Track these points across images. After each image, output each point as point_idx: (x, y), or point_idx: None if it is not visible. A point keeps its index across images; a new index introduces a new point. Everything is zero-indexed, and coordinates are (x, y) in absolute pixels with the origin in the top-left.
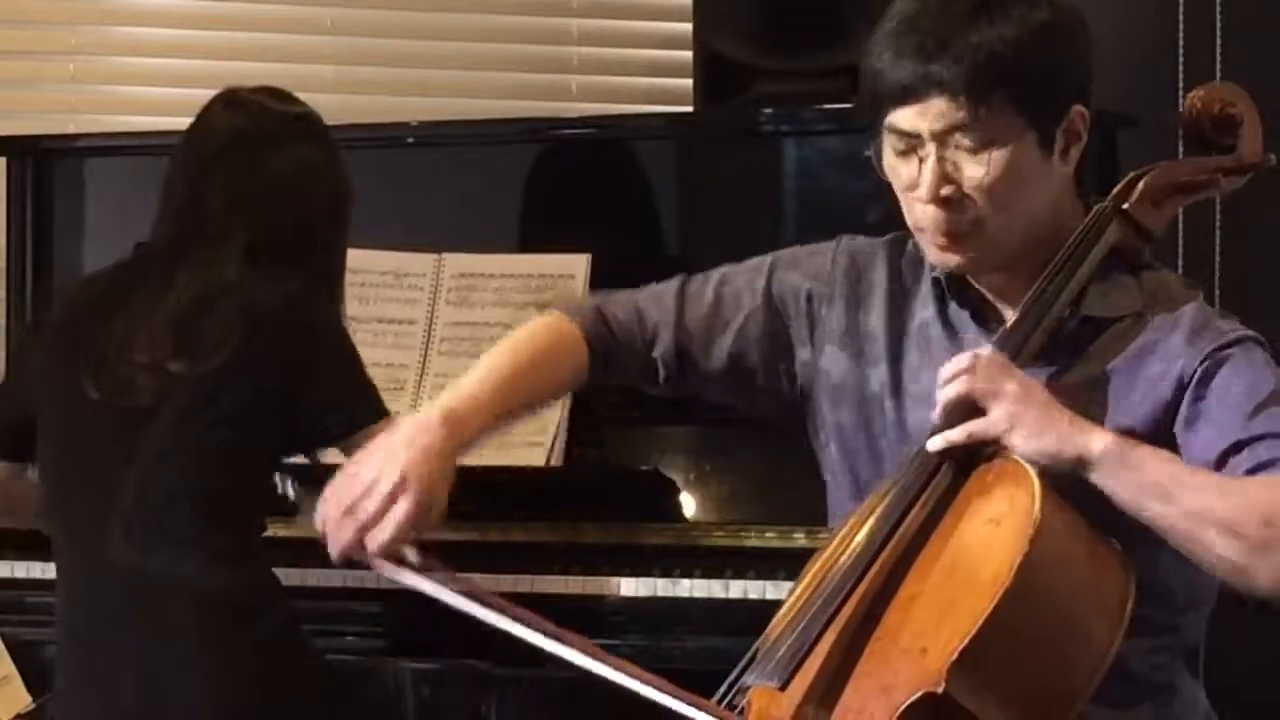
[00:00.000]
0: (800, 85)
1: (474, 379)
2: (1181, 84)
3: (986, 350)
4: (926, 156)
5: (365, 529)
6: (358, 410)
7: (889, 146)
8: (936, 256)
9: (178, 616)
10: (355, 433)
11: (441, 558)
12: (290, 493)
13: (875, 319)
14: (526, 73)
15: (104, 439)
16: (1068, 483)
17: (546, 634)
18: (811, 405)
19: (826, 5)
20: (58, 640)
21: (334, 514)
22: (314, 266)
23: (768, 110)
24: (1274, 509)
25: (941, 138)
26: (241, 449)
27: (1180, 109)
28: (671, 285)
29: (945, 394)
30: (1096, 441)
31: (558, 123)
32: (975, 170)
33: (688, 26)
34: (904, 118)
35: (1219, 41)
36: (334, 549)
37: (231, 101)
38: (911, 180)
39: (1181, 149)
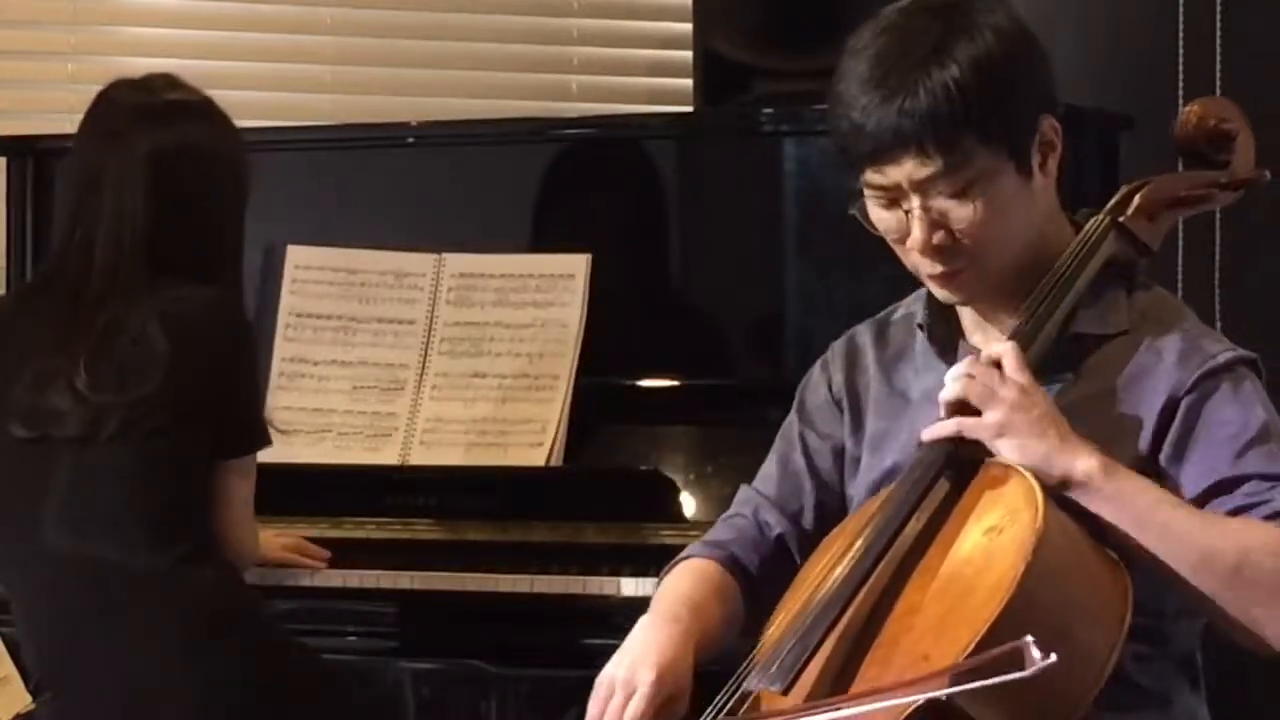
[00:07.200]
0: (800, 85)
1: (660, 613)
2: (1181, 86)
3: (1000, 346)
4: (911, 208)
5: None
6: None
7: (871, 200)
8: (940, 294)
9: (153, 623)
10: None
11: (440, 557)
12: None
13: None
14: (526, 73)
15: (35, 470)
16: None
17: None
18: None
19: (826, 5)
20: (25, 651)
21: None
22: (216, 256)
23: (768, 110)
24: (1247, 551)
25: (921, 187)
26: (180, 457)
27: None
28: (741, 490)
29: (945, 395)
30: (1081, 463)
31: (558, 123)
32: (962, 213)
33: (688, 26)
34: (880, 174)
35: (1219, 44)
36: None
37: (125, 82)
38: (900, 230)
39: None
